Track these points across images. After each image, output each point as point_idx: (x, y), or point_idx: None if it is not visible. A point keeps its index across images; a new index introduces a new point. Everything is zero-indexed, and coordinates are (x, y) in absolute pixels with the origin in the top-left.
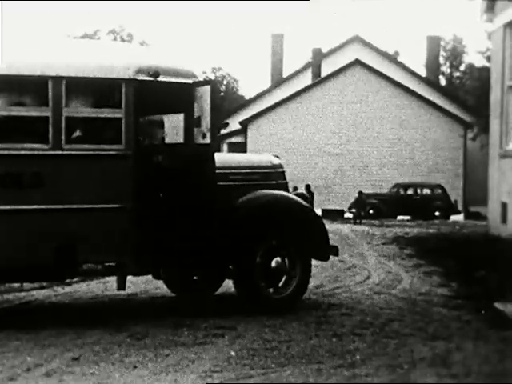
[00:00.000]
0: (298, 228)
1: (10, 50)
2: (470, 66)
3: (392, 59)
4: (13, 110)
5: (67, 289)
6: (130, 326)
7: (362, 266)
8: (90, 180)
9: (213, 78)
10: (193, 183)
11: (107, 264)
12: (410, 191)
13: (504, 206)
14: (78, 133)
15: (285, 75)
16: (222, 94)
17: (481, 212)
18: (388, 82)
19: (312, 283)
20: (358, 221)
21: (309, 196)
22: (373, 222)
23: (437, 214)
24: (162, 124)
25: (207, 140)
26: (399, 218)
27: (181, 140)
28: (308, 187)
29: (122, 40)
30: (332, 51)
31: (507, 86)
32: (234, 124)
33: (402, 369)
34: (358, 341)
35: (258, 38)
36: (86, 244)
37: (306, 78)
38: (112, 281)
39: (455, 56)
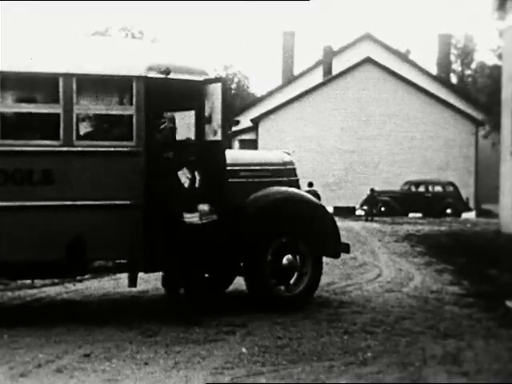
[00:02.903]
0: (309, 225)
1: (21, 48)
2: (482, 64)
3: (403, 57)
4: (24, 107)
5: (78, 286)
6: (141, 323)
7: (374, 264)
8: (101, 176)
9: (224, 75)
10: (203, 180)
11: (118, 261)
12: (421, 188)
13: None
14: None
15: (296, 73)
16: (233, 91)
17: (492, 210)
18: (399, 79)
19: (323, 281)
20: (369, 218)
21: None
22: (384, 219)
23: (448, 211)
24: (173, 121)
25: (218, 137)
26: (411, 215)
27: (192, 137)
28: (310, 185)
29: (133, 37)
30: (343, 49)
31: None
32: (245, 121)
33: (413, 366)
34: (369, 338)
35: (269, 35)
36: (96, 241)
37: (317, 76)
38: (123, 278)
39: (466, 54)
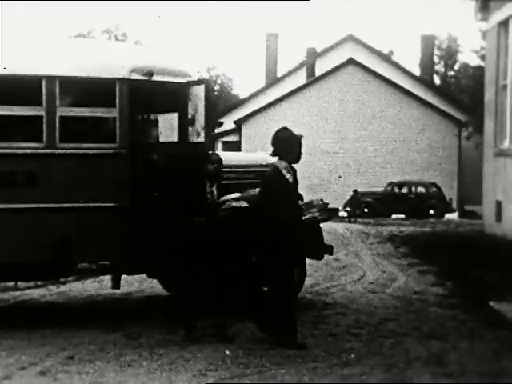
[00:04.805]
0: None
1: (3, 50)
2: (465, 65)
3: (386, 58)
4: (7, 110)
5: (62, 288)
6: (125, 325)
7: (357, 265)
8: (85, 179)
9: (207, 77)
10: (187, 182)
11: (102, 263)
12: (404, 190)
13: (499, 204)
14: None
15: (279, 74)
16: (216, 93)
17: (476, 210)
18: (382, 81)
19: (307, 282)
20: (352, 219)
21: None
22: (367, 220)
23: (431, 212)
24: (156, 123)
25: (201, 139)
26: (394, 216)
27: (175, 139)
28: None
29: (117, 39)
30: (326, 50)
31: (501, 84)
32: (228, 123)
33: (397, 368)
34: (353, 340)
35: (252, 37)
36: (80, 243)
37: (301, 77)
38: (107, 280)
39: (450, 55)
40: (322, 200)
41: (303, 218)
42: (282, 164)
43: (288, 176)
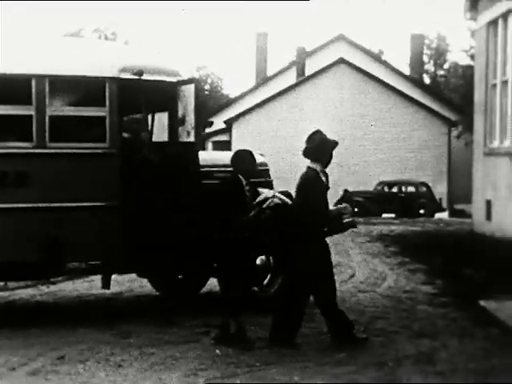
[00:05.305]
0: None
1: None
2: (454, 65)
3: (376, 58)
4: None
5: (52, 288)
6: (115, 325)
7: (347, 264)
8: (75, 178)
9: (197, 76)
10: (177, 181)
11: (92, 262)
12: (394, 189)
13: (488, 203)
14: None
15: (269, 74)
16: (206, 92)
17: (465, 210)
18: (372, 80)
19: None
20: None
21: None
22: (358, 219)
23: (422, 211)
24: (146, 122)
25: (191, 138)
26: (384, 215)
27: (165, 138)
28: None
29: (106, 38)
30: (316, 50)
31: (491, 84)
32: (218, 123)
33: (388, 366)
34: None
35: (242, 36)
36: (71, 242)
37: (291, 77)
38: (97, 279)
39: (439, 54)
40: (348, 205)
41: (343, 222)
42: (319, 167)
43: (324, 179)
